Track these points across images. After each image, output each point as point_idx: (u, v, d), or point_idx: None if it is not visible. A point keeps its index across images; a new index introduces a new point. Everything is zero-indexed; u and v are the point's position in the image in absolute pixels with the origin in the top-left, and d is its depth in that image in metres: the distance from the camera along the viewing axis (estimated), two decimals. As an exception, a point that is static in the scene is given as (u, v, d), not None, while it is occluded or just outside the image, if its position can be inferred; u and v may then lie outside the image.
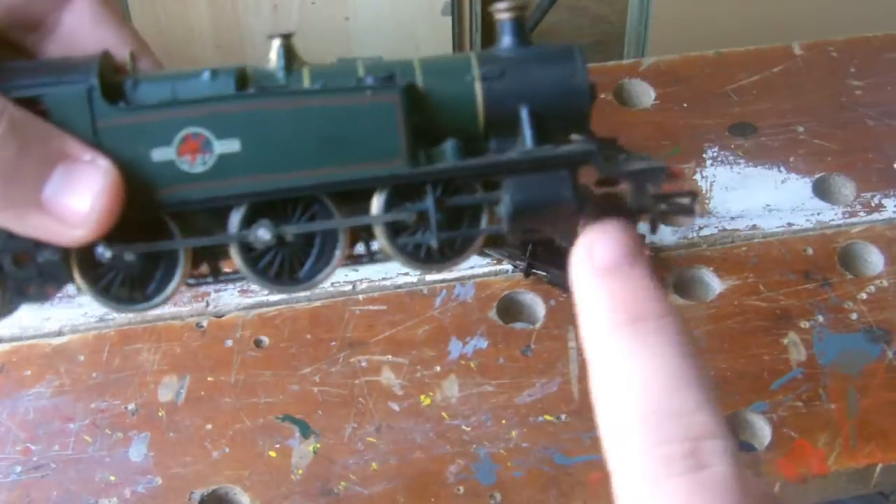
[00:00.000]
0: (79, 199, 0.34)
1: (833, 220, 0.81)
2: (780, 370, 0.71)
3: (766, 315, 0.74)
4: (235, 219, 0.35)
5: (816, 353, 0.72)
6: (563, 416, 0.69)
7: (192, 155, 0.35)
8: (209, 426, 0.69)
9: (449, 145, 0.35)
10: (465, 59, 0.35)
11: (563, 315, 0.71)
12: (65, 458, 0.68)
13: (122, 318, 0.75)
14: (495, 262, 0.78)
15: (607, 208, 0.37)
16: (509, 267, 0.78)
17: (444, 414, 0.70)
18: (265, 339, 0.73)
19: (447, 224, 0.36)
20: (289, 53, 0.36)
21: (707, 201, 0.82)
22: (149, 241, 0.36)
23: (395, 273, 0.78)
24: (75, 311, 0.75)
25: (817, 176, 0.84)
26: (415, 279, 0.78)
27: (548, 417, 0.69)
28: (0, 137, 0.34)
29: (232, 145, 0.35)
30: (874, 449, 0.67)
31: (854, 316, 0.74)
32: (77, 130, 0.35)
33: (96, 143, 0.35)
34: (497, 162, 0.35)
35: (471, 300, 0.76)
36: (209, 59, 1.65)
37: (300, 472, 0.67)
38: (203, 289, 0.72)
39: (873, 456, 0.67)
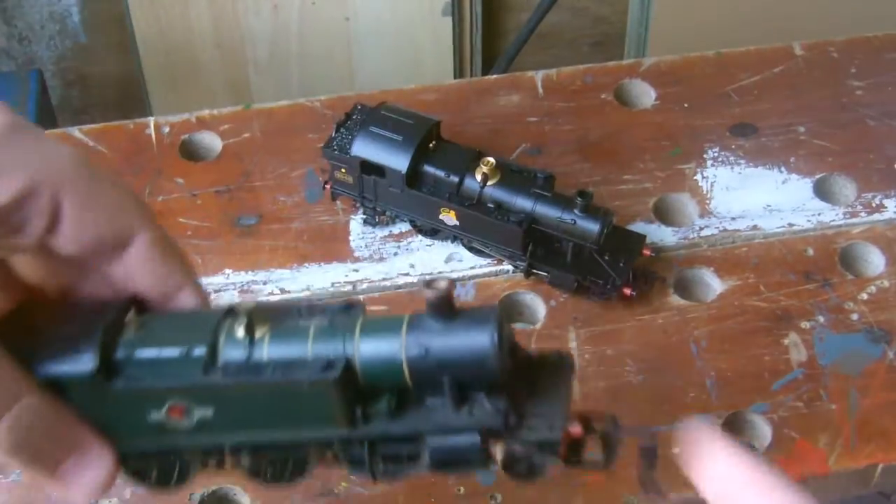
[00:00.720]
0: (84, 481, 0.44)
1: (834, 220, 0.81)
2: (780, 370, 0.71)
3: (767, 315, 0.74)
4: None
5: (817, 353, 0.72)
6: (563, 417, 0.69)
7: (178, 416, 0.43)
8: (209, 427, 0.69)
9: (383, 404, 0.43)
10: (397, 333, 0.42)
11: (564, 315, 0.71)
12: (65, 459, 0.67)
13: (122, 318, 0.75)
14: (496, 262, 0.78)
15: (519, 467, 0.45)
16: (510, 267, 0.78)
17: (444, 414, 0.70)
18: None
19: (389, 457, 0.44)
20: (251, 327, 0.43)
21: (708, 202, 0.82)
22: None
23: (395, 273, 0.78)
24: (75, 312, 0.75)
25: (818, 176, 0.84)
26: (415, 279, 0.78)
27: (548, 418, 0.69)
28: (29, 426, 0.42)
29: (207, 411, 0.43)
30: (875, 449, 0.67)
31: (855, 316, 0.74)
32: (89, 402, 0.44)
33: (105, 409, 0.44)
34: (415, 430, 0.43)
35: (471, 300, 0.76)
36: (209, 59, 1.65)
37: (300, 472, 0.67)
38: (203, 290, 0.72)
39: (874, 456, 0.67)
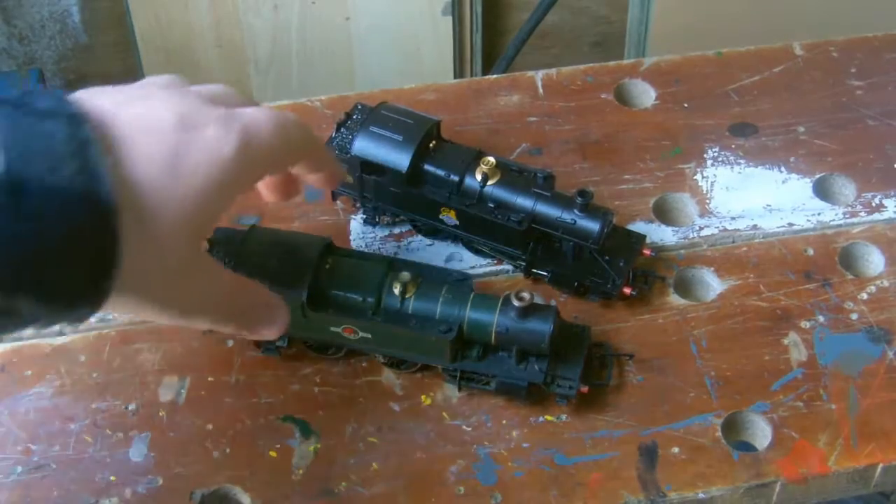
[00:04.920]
0: (273, 329, 0.62)
1: (833, 220, 0.81)
2: (780, 370, 0.71)
3: (767, 315, 0.74)
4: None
5: (817, 353, 0.72)
6: (563, 417, 0.69)
7: (349, 333, 0.68)
8: (210, 426, 0.69)
9: (474, 350, 0.68)
10: (492, 312, 0.66)
11: (564, 315, 0.71)
12: (65, 459, 0.68)
13: (122, 318, 0.75)
14: (496, 261, 0.78)
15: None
16: (510, 267, 0.78)
17: (444, 414, 0.70)
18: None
19: (471, 379, 0.70)
20: (404, 291, 0.67)
21: (708, 201, 0.82)
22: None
23: (395, 273, 0.78)
24: (76, 311, 0.75)
25: (818, 176, 0.84)
26: (415, 279, 0.78)
27: (548, 418, 0.69)
28: (251, 305, 0.62)
29: (367, 335, 0.68)
30: (875, 449, 0.67)
31: (855, 316, 0.74)
32: (296, 316, 0.66)
33: (304, 321, 0.68)
34: (487, 373, 0.69)
35: (471, 300, 0.75)
36: (209, 59, 1.65)
37: (301, 472, 0.67)
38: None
39: (874, 456, 0.67)
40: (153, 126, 0.52)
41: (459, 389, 0.70)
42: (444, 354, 0.68)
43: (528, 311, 0.66)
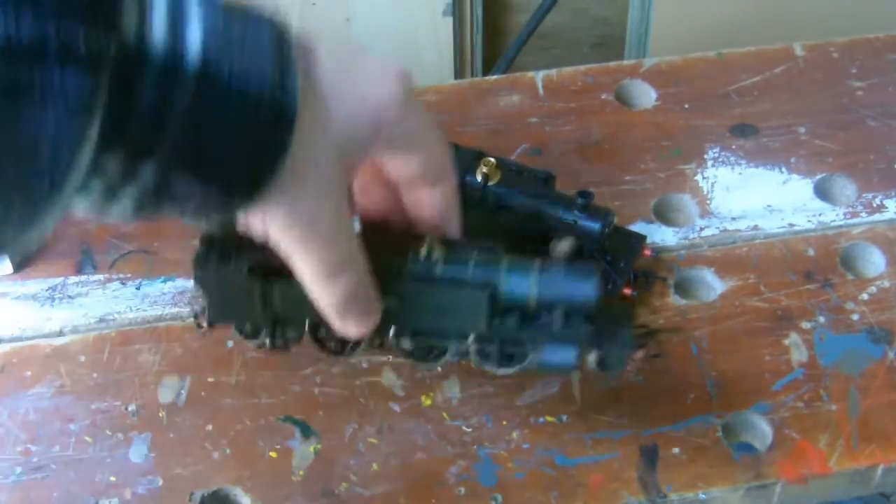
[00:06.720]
0: (358, 325, 0.60)
1: (834, 220, 0.81)
2: (781, 371, 0.71)
3: (768, 316, 0.74)
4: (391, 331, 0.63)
5: (818, 353, 0.72)
6: (564, 417, 0.69)
7: None
8: (210, 427, 0.69)
9: (512, 317, 0.60)
10: (530, 273, 0.60)
11: (564, 316, 0.71)
12: (65, 459, 0.68)
13: (122, 318, 0.75)
14: (496, 262, 0.78)
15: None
16: (510, 268, 0.77)
17: (444, 415, 0.70)
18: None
19: (507, 355, 0.63)
20: (430, 253, 0.60)
21: (708, 202, 0.82)
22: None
23: (395, 274, 0.78)
24: (76, 312, 0.75)
25: (819, 176, 0.84)
26: (416, 280, 0.78)
27: (549, 418, 0.69)
28: (360, 282, 0.58)
29: (394, 300, 0.60)
30: (875, 450, 0.67)
31: (855, 317, 0.74)
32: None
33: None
34: (534, 338, 0.61)
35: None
36: (210, 60, 1.65)
37: (301, 472, 0.67)
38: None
39: (875, 457, 0.67)
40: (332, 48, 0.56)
41: (499, 367, 0.64)
42: (480, 318, 0.60)
43: (571, 263, 0.61)
